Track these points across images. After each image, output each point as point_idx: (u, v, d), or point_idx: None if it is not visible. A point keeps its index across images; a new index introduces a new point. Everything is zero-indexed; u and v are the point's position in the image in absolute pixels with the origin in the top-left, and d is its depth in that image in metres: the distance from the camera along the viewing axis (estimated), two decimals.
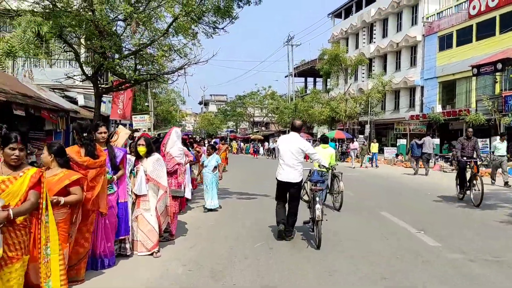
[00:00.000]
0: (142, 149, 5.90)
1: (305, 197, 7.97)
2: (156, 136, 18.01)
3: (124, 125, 16.80)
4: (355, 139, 28.76)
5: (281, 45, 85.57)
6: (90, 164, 4.66)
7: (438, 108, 31.64)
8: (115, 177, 5.36)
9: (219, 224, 8.53)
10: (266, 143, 58.57)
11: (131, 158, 5.91)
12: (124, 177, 5.54)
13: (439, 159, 25.13)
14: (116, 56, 10.04)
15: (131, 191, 5.81)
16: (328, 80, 50.77)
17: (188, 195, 9.18)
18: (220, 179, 10.27)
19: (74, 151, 4.65)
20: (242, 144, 57.73)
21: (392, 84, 36.49)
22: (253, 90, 57.90)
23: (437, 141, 28.48)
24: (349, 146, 27.20)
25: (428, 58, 34.16)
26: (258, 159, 40.71)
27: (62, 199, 4.03)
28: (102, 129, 5.39)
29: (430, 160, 21.34)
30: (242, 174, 20.76)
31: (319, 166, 8.00)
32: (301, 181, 7.14)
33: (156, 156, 6.01)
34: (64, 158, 4.24)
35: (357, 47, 44.26)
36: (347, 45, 44.46)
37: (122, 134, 5.99)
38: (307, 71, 56.11)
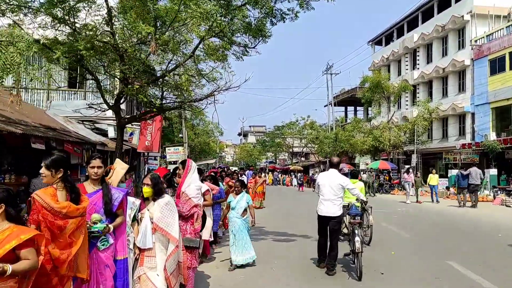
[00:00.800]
0: (147, 190, 4.70)
1: (345, 230, 8.31)
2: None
3: (154, 157, 16.00)
4: (410, 170, 24.86)
5: (320, 74, 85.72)
6: (70, 212, 3.51)
7: (492, 136, 29.23)
8: (111, 226, 4.14)
9: (251, 279, 7.04)
10: (299, 174, 56.66)
11: (135, 202, 4.72)
12: (123, 226, 4.32)
13: (498, 191, 22.71)
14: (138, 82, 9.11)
15: (133, 244, 4.61)
16: (370, 108, 49.06)
17: (206, 236, 7.29)
18: (252, 225, 7.94)
19: (48, 194, 3.51)
20: (279, 175, 56.17)
21: (439, 111, 34.34)
22: (292, 120, 56.72)
23: (493, 171, 26.10)
24: (403, 177, 23.74)
25: (478, 82, 31.99)
26: (304, 192, 38.68)
27: (10, 267, 2.89)
28: (96, 162, 4.20)
29: (478, 191, 20.39)
30: (283, 210, 19.34)
31: (356, 200, 8.34)
32: (341, 215, 7.46)
33: (166, 199, 4.77)
34: (17, 208, 3.12)
35: (399, 73, 42.54)
36: (388, 72, 42.79)
37: (118, 170, 4.71)
38: (347, 100, 54.54)
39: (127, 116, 11.14)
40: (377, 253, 8.81)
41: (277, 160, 74.03)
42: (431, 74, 37.17)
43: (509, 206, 19.40)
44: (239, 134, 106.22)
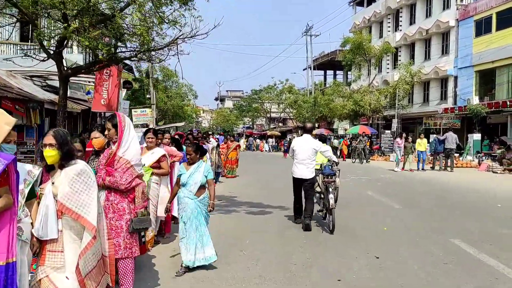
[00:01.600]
0: (50, 153, 3.16)
1: (318, 189, 8.54)
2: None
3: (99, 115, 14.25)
4: (403, 134, 22.26)
5: (299, 35, 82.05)
6: None
7: (475, 100, 28.36)
8: None
9: (221, 265, 5.58)
10: (270, 139, 55.95)
11: (33, 171, 3.21)
12: (6, 215, 2.86)
13: (484, 157, 21.86)
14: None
15: (30, 233, 3.13)
16: (350, 72, 47.72)
17: (161, 213, 6.02)
18: (210, 209, 5.53)
19: None
20: (258, 140, 54.86)
21: (422, 75, 33.20)
22: (270, 83, 54.89)
23: (477, 136, 25.32)
24: (397, 142, 20.81)
25: (462, 45, 30.82)
26: (288, 158, 37.65)
27: None
28: None
29: (453, 156, 20.70)
30: (259, 178, 18.03)
31: (328, 161, 8.59)
32: (314, 177, 7.99)
33: (78, 166, 3.28)
34: None
35: (381, 36, 41.05)
36: (370, 34, 41.19)
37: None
38: (326, 64, 52.96)
39: (71, 67, 9.38)
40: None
41: (255, 126, 72.58)
42: (414, 36, 35.83)
43: (496, 172, 18.59)
44: (216, 99, 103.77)
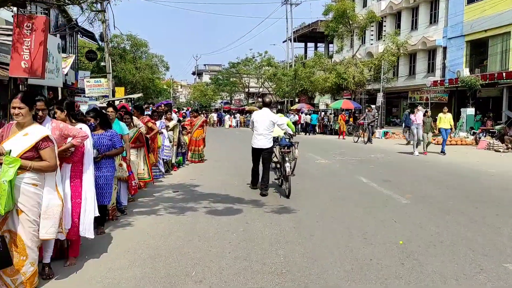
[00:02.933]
0: None
1: (275, 159, 9.42)
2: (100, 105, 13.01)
3: (40, 88, 11.71)
4: (419, 107, 17.63)
5: (279, 5, 77.23)
6: None
7: (465, 72, 26.42)
8: None
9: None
10: (238, 114, 53.13)
11: None
12: None
13: (481, 134, 19.86)
14: None
15: None
16: (332, 45, 45.36)
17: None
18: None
19: None
20: (238, 115, 51.90)
21: (408, 46, 31.08)
22: (248, 56, 51.88)
23: (470, 110, 23.50)
24: (412, 119, 16.58)
25: (452, 13, 28.70)
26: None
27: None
28: None
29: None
30: (231, 161, 15.73)
31: (284, 133, 9.07)
32: (271, 147, 8.76)
33: None
34: None
35: (365, 5, 38.60)
36: (354, 2, 38.73)
37: None
38: (307, 36, 50.43)
39: None
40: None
41: (233, 101, 69.88)
42: (401, 4, 33.62)
43: (499, 151, 16.68)
44: (193, 73, 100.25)
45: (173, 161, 11.49)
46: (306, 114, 35.55)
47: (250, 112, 51.72)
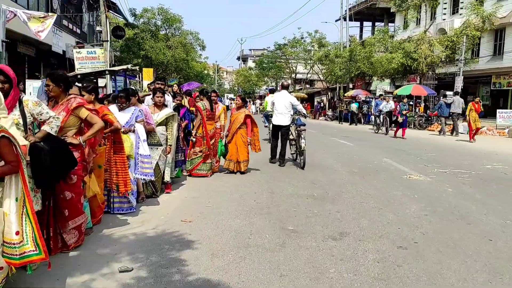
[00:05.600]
0: None
1: (291, 136, 10.66)
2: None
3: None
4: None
5: None
6: None
7: None
8: None
9: None
10: (258, 101, 49.63)
11: None
12: None
13: None
14: None
15: None
16: (391, 24, 39.31)
17: None
18: None
19: None
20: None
21: (496, 19, 24.92)
22: (296, 36, 46.28)
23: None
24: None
25: None
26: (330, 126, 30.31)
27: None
28: None
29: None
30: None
31: (297, 113, 10.47)
32: (289, 124, 10.12)
33: None
34: None
35: None
36: None
37: None
38: (364, 13, 44.47)
39: None
40: None
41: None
42: None
43: None
44: (238, 58, 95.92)
45: (167, 178, 6.87)
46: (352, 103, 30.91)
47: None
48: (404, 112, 17.95)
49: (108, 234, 4.94)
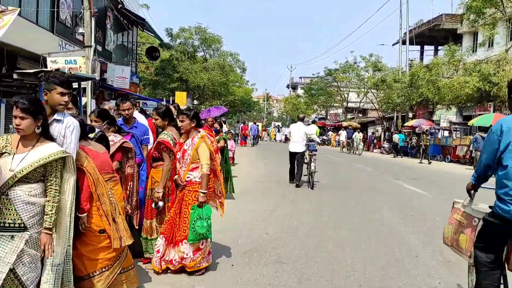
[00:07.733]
0: None
1: (305, 160, 12.03)
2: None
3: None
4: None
5: None
6: None
7: None
8: None
9: None
10: (286, 128, 46.29)
11: None
12: None
13: None
14: None
15: None
16: (457, 46, 34.66)
17: None
18: None
19: None
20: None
21: None
22: (348, 60, 42.30)
23: None
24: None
25: None
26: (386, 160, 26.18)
27: None
28: None
29: None
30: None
31: (311, 140, 12.27)
32: (304, 151, 11.80)
33: None
34: None
35: None
36: None
37: None
38: (425, 35, 40.09)
39: None
40: None
41: (328, 116, 60.68)
42: None
43: None
44: (288, 86, 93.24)
45: None
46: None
47: (348, 127, 42.60)
48: None
49: None
